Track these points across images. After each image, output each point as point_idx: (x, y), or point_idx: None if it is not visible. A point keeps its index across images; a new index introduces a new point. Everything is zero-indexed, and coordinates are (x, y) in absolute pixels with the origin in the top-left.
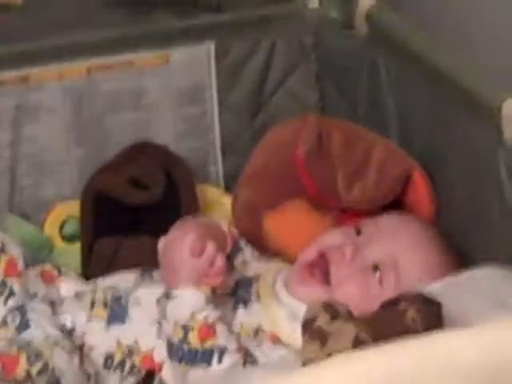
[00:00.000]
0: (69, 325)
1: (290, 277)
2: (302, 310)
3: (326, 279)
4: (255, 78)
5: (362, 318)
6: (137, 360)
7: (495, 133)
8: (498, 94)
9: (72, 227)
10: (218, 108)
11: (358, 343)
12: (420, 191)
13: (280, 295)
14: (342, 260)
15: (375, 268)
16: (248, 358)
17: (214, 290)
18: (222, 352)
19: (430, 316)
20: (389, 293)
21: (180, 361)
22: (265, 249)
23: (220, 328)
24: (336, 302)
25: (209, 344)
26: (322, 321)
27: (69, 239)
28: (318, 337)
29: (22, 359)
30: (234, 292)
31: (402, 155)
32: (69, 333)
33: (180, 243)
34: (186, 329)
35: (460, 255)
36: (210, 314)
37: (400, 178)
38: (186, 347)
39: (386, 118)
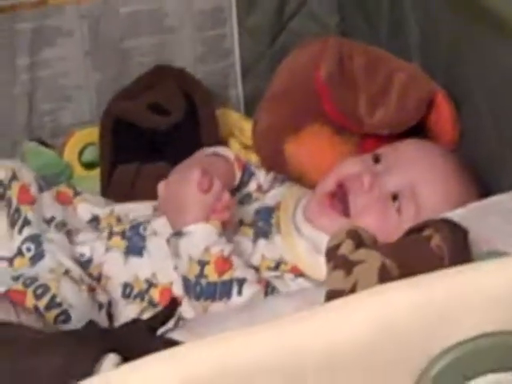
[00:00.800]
0: (87, 254)
1: (309, 208)
2: (323, 241)
3: (346, 210)
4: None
5: (387, 245)
6: (155, 293)
7: None
8: None
9: (91, 154)
10: (238, 30)
11: (383, 272)
12: (443, 115)
13: (300, 226)
14: (360, 190)
15: (394, 197)
16: (269, 290)
17: (224, 225)
18: (242, 283)
19: (456, 243)
20: (408, 223)
21: (199, 297)
22: (286, 175)
23: (236, 260)
24: (361, 229)
25: (227, 276)
26: (347, 248)
27: (88, 166)
28: (343, 265)
29: (29, 294)
30: (253, 223)
31: (425, 79)
32: (87, 262)
33: (187, 180)
34: (201, 263)
35: (484, 186)
36: (225, 247)
37: (423, 101)
38: (203, 282)
39: (409, 41)
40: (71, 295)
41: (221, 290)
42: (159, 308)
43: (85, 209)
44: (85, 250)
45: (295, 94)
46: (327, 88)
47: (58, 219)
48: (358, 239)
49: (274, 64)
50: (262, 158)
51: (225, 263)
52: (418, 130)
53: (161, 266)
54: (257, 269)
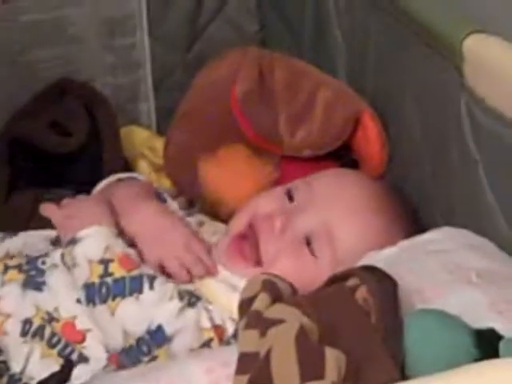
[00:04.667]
0: None
1: (220, 252)
2: (239, 282)
3: (257, 257)
4: (189, 4)
5: (306, 298)
6: (57, 328)
7: (457, 73)
8: (460, 29)
9: None
10: (149, 39)
11: (301, 337)
12: (370, 136)
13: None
14: (271, 233)
15: (308, 241)
16: (185, 296)
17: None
18: (153, 279)
19: (384, 297)
20: (325, 267)
21: (106, 299)
22: (199, 200)
23: (143, 264)
24: (277, 279)
25: (136, 272)
26: (262, 304)
27: None
28: (257, 324)
29: None
30: None
31: (350, 96)
32: None
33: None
34: (104, 262)
35: (416, 210)
36: (128, 250)
37: (348, 120)
38: (110, 280)
39: (334, 53)
40: None
41: (131, 285)
42: (58, 347)
43: None
44: None
45: (211, 109)
46: (243, 107)
47: None
48: (275, 291)
49: (189, 75)
50: (175, 181)
51: (131, 261)
52: (345, 151)
53: (63, 301)
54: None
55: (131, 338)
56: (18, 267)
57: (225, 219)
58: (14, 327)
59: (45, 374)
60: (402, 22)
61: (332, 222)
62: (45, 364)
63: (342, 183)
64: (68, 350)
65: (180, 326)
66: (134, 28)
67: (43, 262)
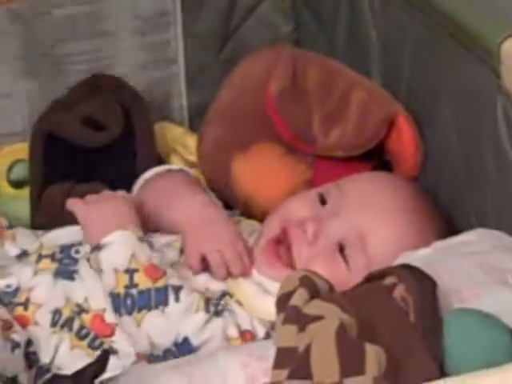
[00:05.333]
0: (14, 283)
1: (257, 255)
2: (273, 285)
3: (291, 260)
4: (223, 2)
5: (344, 296)
6: (86, 320)
7: (494, 75)
8: (498, 31)
9: (21, 171)
10: (183, 36)
11: (341, 333)
12: (405, 138)
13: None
14: (303, 239)
15: (341, 247)
16: (211, 307)
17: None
18: (178, 290)
19: (423, 296)
20: (358, 274)
21: (131, 311)
22: (233, 197)
23: (170, 271)
24: (315, 275)
25: (161, 283)
26: (300, 299)
27: (17, 185)
28: (295, 319)
29: None
30: None
31: (385, 97)
32: (14, 292)
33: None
34: (129, 272)
35: (450, 213)
36: (152, 255)
37: (383, 122)
38: (135, 291)
39: (368, 54)
40: None
41: (156, 297)
42: (87, 340)
43: (12, 246)
44: (11, 281)
45: (245, 107)
46: (278, 106)
47: None
48: (313, 288)
49: (222, 73)
50: (208, 177)
51: (157, 270)
52: (378, 152)
53: (93, 291)
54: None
55: (158, 349)
56: (52, 256)
57: (257, 217)
58: (44, 317)
59: (74, 365)
60: (439, 23)
61: (365, 228)
62: (74, 355)
63: (374, 187)
64: (97, 343)
65: (206, 337)
66: (168, 25)
67: (77, 251)
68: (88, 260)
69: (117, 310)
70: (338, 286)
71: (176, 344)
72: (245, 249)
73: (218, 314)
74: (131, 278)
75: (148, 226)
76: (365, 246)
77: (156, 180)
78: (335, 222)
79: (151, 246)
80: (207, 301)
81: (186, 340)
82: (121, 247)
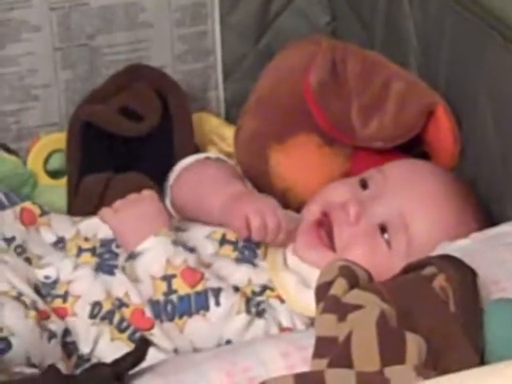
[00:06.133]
0: (53, 275)
1: (298, 237)
2: (311, 274)
3: (332, 243)
4: None
5: (384, 285)
6: (127, 313)
7: None
8: None
9: (58, 161)
10: (220, 27)
11: (382, 322)
12: (443, 129)
13: (288, 259)
14: (345, 221)
15: (383, 229)
16: (256, 310)
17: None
18: (218, 293)
19: (463, 285)
20: (399, 257)
21: (172, 317)
22: (270, 188)
23: (207, 271)
24: (355, 265)
25: (200, 287)
26: (340, 289)
27: (54, 175)
28: (336, 309)
29: None
30: (236, 245)
31: (424, 89)
32: (53, 284)
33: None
34: (167, 278)
35: (487, 206)
36: (188, 257)
37: (422, 113)
38: (174, 297)
39: (406, 45)
40: (14, 321)
41: (196, 303)
42: (128, 332)
43: (49, 232)
44: (50, 272)
45: (284, 98)
46: (317, 97)
47: (17, 241)
48: (352, 278)
49: (259, 65)
50: (245, 168)
51: (194, 274)
52: (415, 143)
53: (142, 279)
54: (238, 289)
55: None
56: (92, 250)
57: (294, 209)
58: (83, 309)
59: (115, 356)
60: (480, 16)
61: (407, 211)
62: (114, 347)
63: (416, 172)
64: (138, 335)
65: (249, 338)
66: (205, 16)
67: (117, 246)
68: (123, 269)
69: (157, 316)
70: (378, 268)
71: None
72: (286, 220)
73: (259, 314)
74: (169, 284)
75: (186, 215)
76: (407, 229)
77: (193, 169)
78: (377, 204)
79: (185, 246)
80: (248, 301)
81: (228, 343)
82: (155, 254)
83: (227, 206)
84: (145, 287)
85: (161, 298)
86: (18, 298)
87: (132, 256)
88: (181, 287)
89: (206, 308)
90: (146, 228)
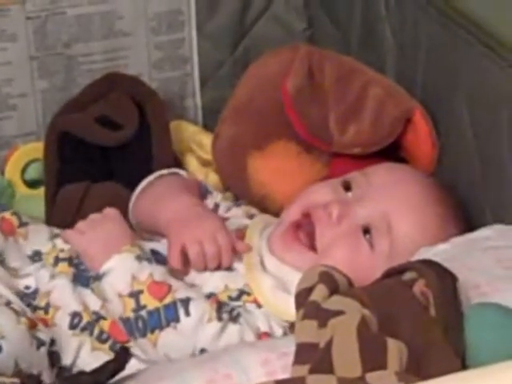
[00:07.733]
0: (32, 285)
1: (272, 239)
2: (290, 278)
3: (312, 244)
4: (237, 1)
5: (364, 291)
6: (105, 326)
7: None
8: None
9: (35, 171)
10: (197, 35)
11: (363, 327)
12: (421, 134)
13: (265, 260)
14: (327, 222)
15: (365, 230)
16: (231, 315)
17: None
18: (187, 303)
19: (444, 291)
20: (382, 258)
21: (145, 332)
22: (248, 194)
23: (174, 283)
24: (334, 271)
25: (168, 299)
26: (320, 295)
27: (32, 184)
28: (316, 314)
29: None
30: None
31: (401, 94)
32: (33, 294)
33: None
34: (134, 295)
35: (466, 210)
36: (153, 270)
37: (399, 119)
38: (144, 313)
39: (383, 51)
40: (6, 326)
41: (166, 315)
42: (109, 343)
43: (25, 245)
44: (29, 282)
45: (261, 105)
46: (294, 103)
47: None
48: (332, 284)
49: (236, 72)
50: (223, 175)
51: (161, 287)
52: (393, 149)
53: (111, 298)
54: (214, 295)
55: None
56: (69, 260)
57: (272, 215)
58: (62, 319)
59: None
60: (456, 21)
61: (390, 213)
62: (96, 357)
63: (399, 175)
64: (118, 346)
65: (224, 344)
66: (182, 23)
67: None
68: (92, 290)
69: (131, 333)
70: (360, 269)
71: (194, 356)
72: (228, 242)
73: (233, 319)
74: (137, 300)
75: (147, 232)
76: (390, 230)
77: (148, 187)
78: (360, 206)
79: (156, 257)
80: (219, 308)
81: (203, 351)
82: (119, 272)
83: (169, 227)
84: (114, 306)
85: (131, 314)
86: (8, 304)
87: (98, 277)
88: (149, 302)
89: (177, 320)
90: (110, 248)
